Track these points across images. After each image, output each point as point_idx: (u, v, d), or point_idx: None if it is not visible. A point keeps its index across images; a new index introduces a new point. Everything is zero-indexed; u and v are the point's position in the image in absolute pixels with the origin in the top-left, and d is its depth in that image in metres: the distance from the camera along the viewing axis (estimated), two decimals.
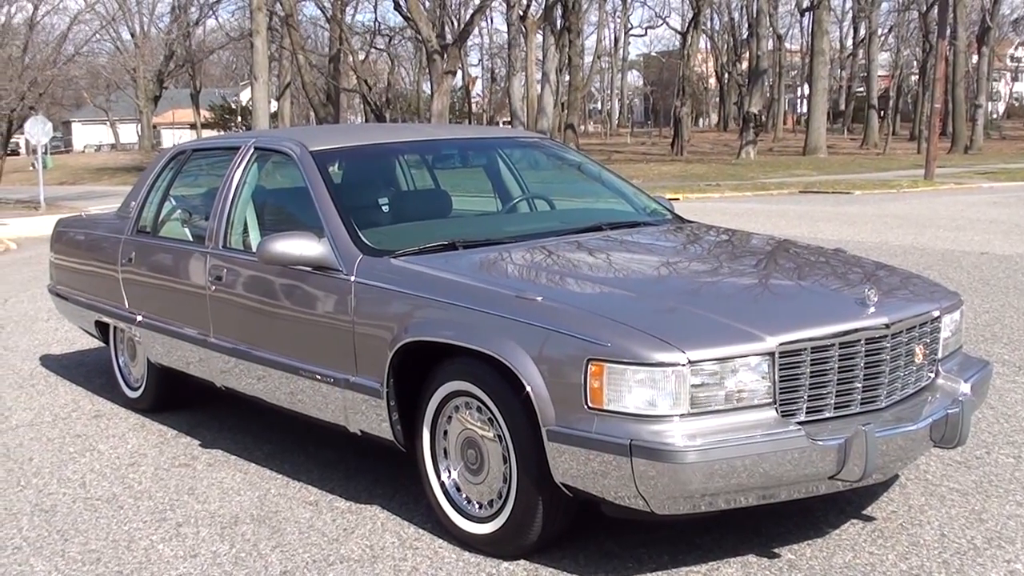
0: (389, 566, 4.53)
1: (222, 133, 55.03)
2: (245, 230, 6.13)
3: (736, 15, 73.09)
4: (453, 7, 61.42)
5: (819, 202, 23.61)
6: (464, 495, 4.74)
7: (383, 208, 6.29)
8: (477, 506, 4.67)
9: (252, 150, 6.31)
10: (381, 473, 5.67)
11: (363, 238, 5.25)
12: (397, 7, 41.74)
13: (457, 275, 4.82)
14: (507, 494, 4.47)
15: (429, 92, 46.67)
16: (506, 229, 5.99)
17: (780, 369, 4.05)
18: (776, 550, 4.52)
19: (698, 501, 4.00)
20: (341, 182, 5.98)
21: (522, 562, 4.50)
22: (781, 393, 4.07)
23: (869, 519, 4.83)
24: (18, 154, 68.92)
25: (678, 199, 23.55)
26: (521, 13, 48.93)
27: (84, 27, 49.38)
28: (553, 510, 4.36)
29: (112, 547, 4.89)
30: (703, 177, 36.51)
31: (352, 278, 5.05)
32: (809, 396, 4.14)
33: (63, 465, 6.10)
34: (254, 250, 5.61)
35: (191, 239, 6.58)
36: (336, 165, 6.03)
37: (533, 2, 49.87)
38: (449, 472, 4.80)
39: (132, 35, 71.88)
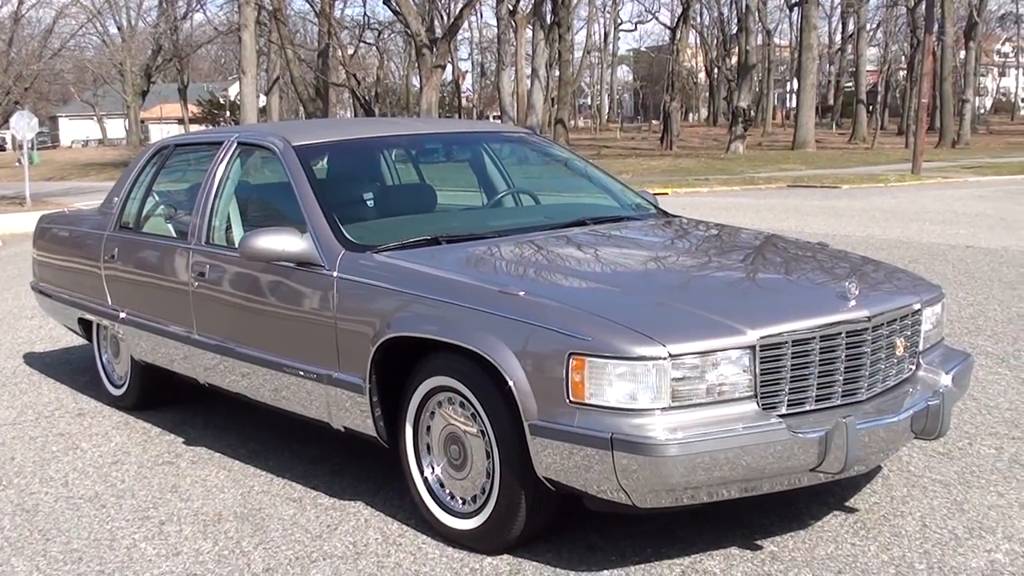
0: (372, 562, 4.53)
1: (210, 128, 54.89)
2: (228, 226, 6.10)
3: (725, 10, 73.06)
4: (443, 1, 61.41)
5: (807, 196, 23.62)
6: (447, 491, 4.74)
7: (367, 203, 6.28)
8: (460, 502, 4.67)
9: (235, 145, 6.28)
10: (366, 470, 5.66)
11: (345, 233, 5.23)
12: (386, 1, 41.69)
13: (439, 270, 4.81)
14: (490, 489, 4.46)
15: (418, 86, 46.57)
16: (490, 223, 5.98)
17: (761, 362, 4.05)
18: (759, 542, 4.53)
19: (680, 494, 4.01)
20: (325, 177, 5.96)
21: (505, 557, 4.49)
22: (762, 386, 4.07)
23: (851, 510, 4.84)
24: (4, 149, 68.94)
25: (667, 193, 23.57)
26: (511, 8, 48.84)
27: (70, 20, 49.28)
28: (536, 504, 4.35)
29: (94, 546, 4.88)
30: (692, 172, 36.51)
31: (334, 273, 5.03)
32: (790, 389, 4.15)
33: (46, 464, 6.09)
34: (237, 246, 5.60)
35: (174, 235, 6.55)
36: (320, 160, 6.00)
37: None
38: (432, 468, 4.79)
39: (119, 29, 71.75)
